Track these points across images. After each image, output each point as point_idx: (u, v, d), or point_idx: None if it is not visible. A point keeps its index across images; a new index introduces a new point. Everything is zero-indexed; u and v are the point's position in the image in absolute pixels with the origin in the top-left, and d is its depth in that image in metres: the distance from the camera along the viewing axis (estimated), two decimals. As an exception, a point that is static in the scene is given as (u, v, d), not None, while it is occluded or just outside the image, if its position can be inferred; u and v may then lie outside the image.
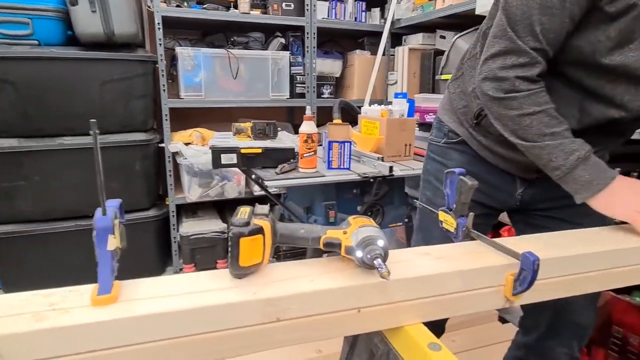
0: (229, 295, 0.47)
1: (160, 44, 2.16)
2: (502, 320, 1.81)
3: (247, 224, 0.50)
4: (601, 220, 0.86)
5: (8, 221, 2.00)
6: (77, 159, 2.01)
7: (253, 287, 0.48)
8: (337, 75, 2.75)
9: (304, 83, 2.57)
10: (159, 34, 2.14)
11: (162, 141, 2.27)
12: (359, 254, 0.51)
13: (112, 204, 0.51)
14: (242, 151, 1.44)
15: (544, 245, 0.64)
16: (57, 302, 0.44)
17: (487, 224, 1.01)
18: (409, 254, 0.60)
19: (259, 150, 1.48)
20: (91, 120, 0.45)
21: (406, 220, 1.76)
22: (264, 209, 0.57)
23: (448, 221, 0.70)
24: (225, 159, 1.45)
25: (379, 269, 0.47)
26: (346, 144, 1.47)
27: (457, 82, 0.96)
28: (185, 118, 2.55)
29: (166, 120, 2.24)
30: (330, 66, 2.72)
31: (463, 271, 0.55)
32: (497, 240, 0.64)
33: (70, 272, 2.10)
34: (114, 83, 2.01)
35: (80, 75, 1.95)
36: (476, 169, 0.91)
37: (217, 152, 1.45)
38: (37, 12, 1.86)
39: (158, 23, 2.14)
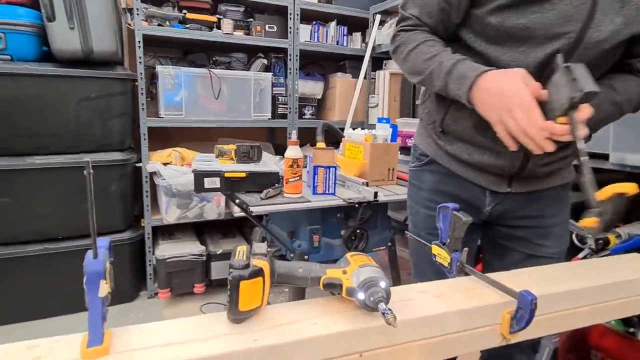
0: (226, 343, 0.45)
1: (140, 62, 2.12)
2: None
3: (247, 266, 0.49)
4: (560, 241, 0.91)
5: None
6: (49, 179, 1.93)
7: (253, 334, 0.46)
8: (319, 97, 2.78)
9: (286, 104, 2.58)
10: (139, 52, 2.11)
11: (139, 161, 2.21)
12: (361, 296, 0.50)
13: (103, 244, 0.49)
14: (226, 175, 1.42)
15: (536, 280, 0.65)
16: (43, 355, 0.41)
17: (470, 241, 1.01)
18: (405, 292, 0.59)
19: (244, 175, 1.46)
20: (85, 159, 0.43)
21: (389, 244, 1.77)
22: (261, 247, 0.55)
23: (441, 255, 0.71)
24: (208, 182, 1.42)
25: (385, 315, 0.47)
26: (331, 168, 1.47)
27: (425, 104, 0.98)
28: (164, 137, 2.50)
29: (144, 139, 2.18)
30: (312, 88, 2.74)
31: (462, 310, 0.55)
32: (490, 275, 0.65)
33: (39, 299, 1.98)
34: (91, 101, 1.96)
35: (56, 92, 1.89)
36: (448, 187, 0.93)
37: (200, 176, 1.41)
38: (11, 26, 1.80)
39: (139, 41, 2.11)
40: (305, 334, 0.47)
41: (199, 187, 1.41)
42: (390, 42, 0.89)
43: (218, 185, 1.43)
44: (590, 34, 0.70)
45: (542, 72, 0.73)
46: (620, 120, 0.84)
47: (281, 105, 2.58)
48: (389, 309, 0.47)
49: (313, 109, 2.72)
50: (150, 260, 2.29)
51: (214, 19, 2.32)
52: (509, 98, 0.67)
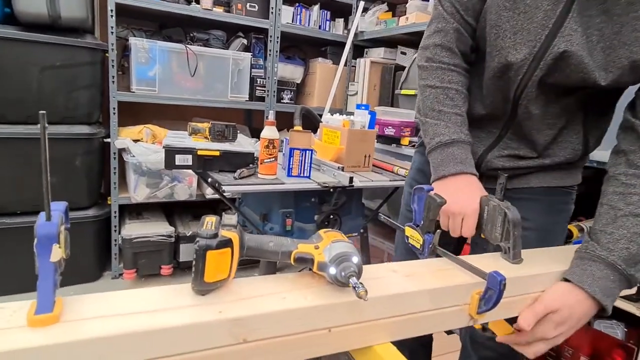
0: (191, 314, 0.42)
1: (112, 33, 2.02)
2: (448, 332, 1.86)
3: (215, 235, 0.46)
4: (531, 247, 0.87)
5: None
6: (6, 150, 1.81)
7: (218, 305, 0.44)
8: (298, 82, 2.74)
9: (264, 86, 2.53)
10: (112, 21, 2.00)
11: (108, 136, 2.12)
12: (332, 271, 0.49)
13: (58, 207, 0.45)
14: (199, 153, 1.37)
15: (508, 263, 0.65)
16: (-16, 322, 0.37)
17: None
18: (376, 270, 0.59)
19: (217, 153, 1.42)
20: (40, 112, 0.39)
21: (362, 231, 1.77)
22: (231, 219, 0.53)
23: (414, 237, 0.71)
24: (179, 159, 1.37)
25: (356, 288, 0.45)
26: (307, 152, 1.45)
27: None
28: (136, 113, 2.40)
29: (114, 114, 2.09)
30: (291, 71, 2.70)
31: (432, 290, 0.55)
32: (462, 257, 0.65)
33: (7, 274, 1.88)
34: (56, 70, 1.85)
35: (17, 58, 1.77)
36: (428, 169, 0.93)
37: (171, 152, 1.36)
38: (-31, -17, 1.67)
39: (111, 10, 2.00)
40: (272, 308, 0.45)
41: (169, 163, 1.36)
42: (420, 50, 0.84)
43: (190, 163, 1.39)
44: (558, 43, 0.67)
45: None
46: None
47: (259, 88, 2.53)
48: (360, 283, 0.46)
49: (292, 93, 2.68)
50: (116, 240, 2.21)
51: (192, -8, 2.23)
52: (463, 208, 0.72)
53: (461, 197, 0.72)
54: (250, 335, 0.44)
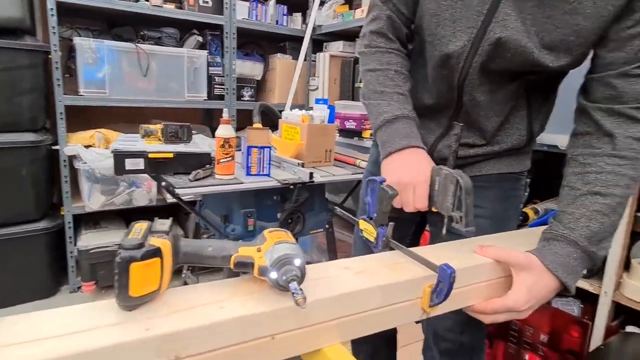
0: (114, 334, 0.38)
1: (54, 33, 1.89)
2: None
3: (141, 245, 0.42)
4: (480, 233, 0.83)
5: None
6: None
7: (146, 322, 0.40)
8: (258, 78, 2.68)
9: (223, 84, 2.46)
10: (53, 21, 1.88)
11: (56, 143, 1.99)
12: (273, 275, 0.46)
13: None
14: (150, 156, 1.31)
15: (461, 253, 0.65)
16: None
17: (408, 220, 0.98)
18: (327, 269, 0.56)
19: (171, 155, 1.35)
20: None
21: (327, 226, 1.75)
22: (164, 224, 0.49)
23: (368, 230, 0.69)
24: (130, 164, 1.30)
25: (294, 295, 0.43)
26: (266, 149, 1.41)
27: None
28: (86, 118, 2.27)
29: (61, 119, 1.97)
30: (250, 68, 2.64)
31: (383, 286, 0.53)
32: (415, 249, 0.64)
33: None
34: (-6, 74, 1.72)
35: (-54, 62, 1.63)
36: None
37: (120, 157, 1.29)
38: None
39: (51, 9, 1.88)
40: (207, 319, 0.42)
41: (119, 168, 1.29)
42: (359, 38, 0.86)
43: (142, 167, 1.32)
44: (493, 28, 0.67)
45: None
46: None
47: (218, 86, 2.45)
48: (300, 289, 0.44)
49: (252, 90, 2.62)
50: (71, 252, 2.09)
51: (140, -12, 2.13)
52: (412, 178, 0.70)
53: (410, 168, 0.71)
54: (183, 351, 0.41)
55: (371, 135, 1.95)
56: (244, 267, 0.49)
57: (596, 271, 1.33)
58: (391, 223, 0.65)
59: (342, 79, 2.53)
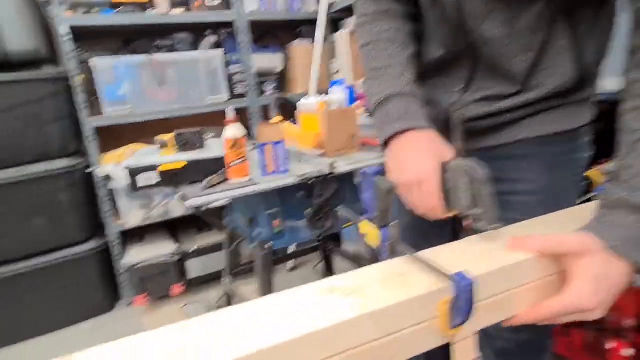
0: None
1: (69, 58, 1.92)
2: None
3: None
4: (529, 215, 0.67)
5: None
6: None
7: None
8: (279, 70, 2.59)
9: (243, 82, 2.39)
10: (67, 46, 1.91)
11: (90, 165, 2.04)
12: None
13: None
14: (161, 169, 1.26)
15: (481, 250, 0.50)
16: None
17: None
18: (306, 294, 0.44)
19: (183, 164, 1.30)
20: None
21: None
22: None
23: (370, 235, 0.56)
24: (143, 180, 1.26)
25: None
26: (279, 144, 1.31)
27: None
28: (118, 136, 2.31)
29: (90, 141, 2.01)
30: (269, 61, 2.54)
31: (377, 311, 0.40)
32: (427, 252, 0.50)
33: (4, 326, 1.86)
34: (19, 109, 1.77)
35: (-27, 104, 1.70)
36: None
37: (133, 173, 1.26)
38: None
39: (67, 34, 1.90)
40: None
41: (133, 186, 1.26)
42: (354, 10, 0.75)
43: (155, 182, 1.28)
44: None
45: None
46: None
47: (238, 84, 2.39)
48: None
49: (274, 83, 2.53)
50: (119, 269, 2.15)
51: (145, -2, 2.11)
52: (415, 172, 0.57)
53: (409, 160, 0.57)
54: None
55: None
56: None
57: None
58: (395, 222, 0.52)
59: (364, 56, 2.35)
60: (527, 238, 0.49)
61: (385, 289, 0.44)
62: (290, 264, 2.48)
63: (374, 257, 0.56)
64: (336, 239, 2.59)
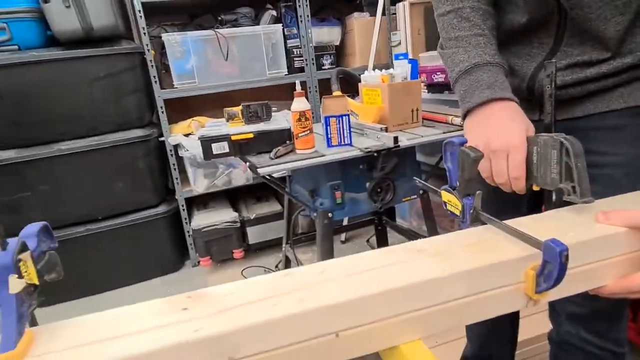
0: (165, 336, 0.37)
1: (144, 33, 2.05)
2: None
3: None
4: (617, 188, 0.64)
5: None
6: (78, 164, 1.97)
7: (197, 322, 0.38)
8: (337, 44, 2.58)
9: (302, 56, 2.42)
10: (142, 22, 2.03)
11: (162, 135, 2.20)
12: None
13: (28, 231, 0.42)
14: (233, 138, 1.34)
15: (571, 225, 0.51)
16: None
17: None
18: (396, 253, 0.48)
19: (251, 135, 1.37)
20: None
21: (421, 192, 1.63)
22: None
23: (452, 202, 0.58)
24: (216, 148, 1.35)
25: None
26: (344, 117, 1.33)
27: None
28: (187, 107, 2.46)
29: (162, 112, 2.15)
30: (328, 34, 2.54)
31: (468, 271, 0.43)
32: (513, 222, 0.52)
33: (87, 278, 2.10)
34: (102, 80, 1.93)
35: (66, 76, 1.88)
36: None
37: (207, 142, 1.35)
38: (12, 14, 1.78)
39: (139, 10, 2.02)
40: (260, 318, 0.38)
41: (207, 154, 1.35)
42: None
43: (227, 150, 1.36)
44: None
45: None
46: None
47: (297, 58, 2.42)
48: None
49: (332, 57, 2.53)
50: (188, 231, 2.33)
51: (212, -27, 2.17)
52: (505, 141, 0.57)
53: (499, 129, 0.57)
54: (237, 352, 0.38)
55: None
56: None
57: None
58: (479, 192, 0.54)
59: (426, 29, 2.29)
60: (617, 211, 0.49)
61: (470, 253, 0.46)
62: (342, 236, 2.55)
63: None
64: (390, 213, 2.61)
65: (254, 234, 2.38)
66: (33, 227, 0.43)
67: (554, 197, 0.52)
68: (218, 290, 0.43)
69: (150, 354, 0.35)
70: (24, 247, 0.40)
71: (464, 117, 0.64)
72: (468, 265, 0.44)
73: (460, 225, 0.57)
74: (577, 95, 0.66)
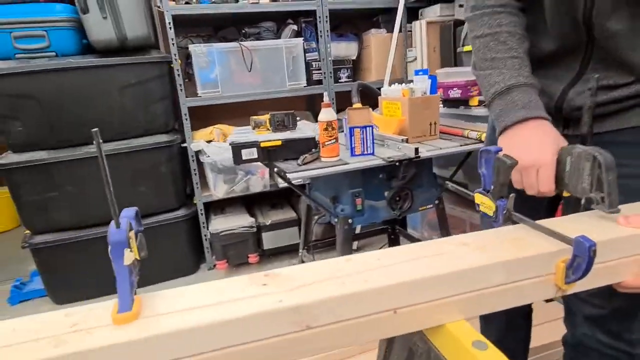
0: (256, 304, 0.44)
1: (173, 44, 2.15)
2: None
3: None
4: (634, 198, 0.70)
5: (46, 231, 2.07)
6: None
7: (279, 295, 0.45)
8: (354, 58, 2.67)
9: (320, 69, 2.51)
10: (171, 33, 2.13)
11: (184, 141, 2.28)
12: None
13: (127, 214, 0.49)
14: (262, 145, 1.41)
15: (598, 226, 0.57)
16: (78, 322, 0.42)
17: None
18: (445, 244, 0.55)
19: (279, 143, 1.44)
20: (93, 129, 0.42)
21: (436, 202, 1.69)
22: None
23: (485, 204, 0.65)
24: (245, 154, 1.42)
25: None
26: (368, 128, 1.41)
27: None
28: (207, 116, 2.55)
29: (186, 119, 2.24)
30: (345, 49, 2.64)
31: (506, 262, 0.50)
32: (543, 222, 0.58)
33: (108, 278, 2.16)
34: (132, 87, 2.02)
35: (99, 82, 1.97)
36: None
37: (237, 148, 1.42)
38: (51, 23, 1.89)
39: (169, 22, 2.12)
40: (333, 293, 0.45)
41: (237, 159, 1.43)
42: (465, 1, 0.79)
43: (256, 156, 1.44)
44: None
45: None
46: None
47: (315, 71, 2.52)
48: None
49: (348, 71, 2.63)
50: (205, 235, 2.40)
51: (239, -11, 2.28)
52: (535, 158, 0.64)
53: (531, 146, 0.64)
54: (313, 322, 0.44)
55: (480, 102, 1.81)
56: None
57: None
58: (512, 194, 0.61)
59: (442, 46, 2.38)
60: (637, 216, 0.56)
61: (508, 247, 0.53)
62: (355, 245, 2.61)
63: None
64: (401, 224, 2.67)
65: (269, 240, 2.44)
66: (130, 211, 0.50)
67: (582, 203, 0.59)
68: (290, 271, 0.50)
69: (247, 318, 0.42)
70: (130, 226, 0.47)
71: (499, 133, 0.71)
72: (507, 257, 0.50)
73: (493, 225, 0.63)
74: (599, 113, 0.73)
